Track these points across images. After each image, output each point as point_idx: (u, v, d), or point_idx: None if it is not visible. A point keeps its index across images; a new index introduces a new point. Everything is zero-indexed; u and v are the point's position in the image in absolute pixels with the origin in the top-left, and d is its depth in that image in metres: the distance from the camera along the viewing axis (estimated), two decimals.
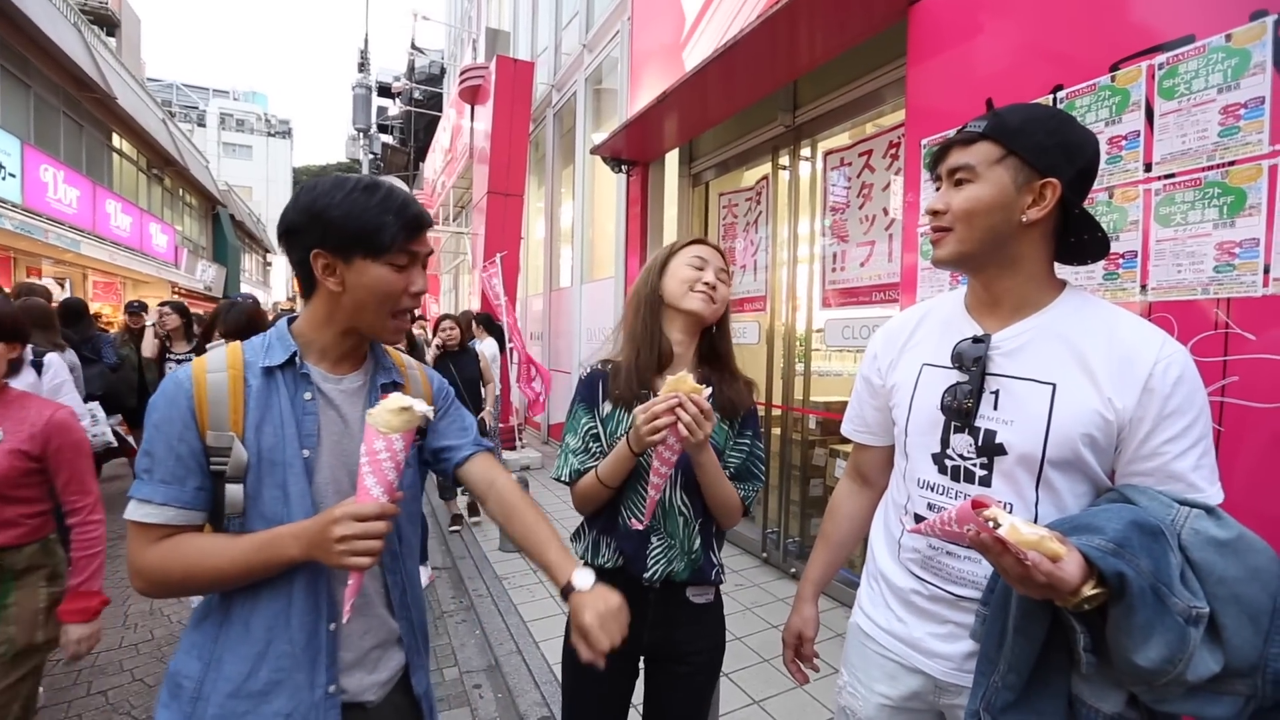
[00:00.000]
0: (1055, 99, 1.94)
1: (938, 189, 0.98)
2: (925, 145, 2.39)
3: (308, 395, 0.94)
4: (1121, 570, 0.71)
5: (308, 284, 0.96)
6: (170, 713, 0.89)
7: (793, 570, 3.61)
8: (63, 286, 10.54)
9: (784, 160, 3.86)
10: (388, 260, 0.92)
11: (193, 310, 4.82)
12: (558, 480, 1.33)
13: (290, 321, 0.99)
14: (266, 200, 37.60)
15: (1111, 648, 0.76)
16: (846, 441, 3.85)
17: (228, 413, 0.89)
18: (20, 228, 8.49)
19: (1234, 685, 0.74)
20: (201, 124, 37.20)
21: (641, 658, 1.38)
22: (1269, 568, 0.76)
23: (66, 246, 9.78)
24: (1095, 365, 0.87)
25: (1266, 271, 1.49)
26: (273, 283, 33.40)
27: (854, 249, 3.35)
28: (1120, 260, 1.76)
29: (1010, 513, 0.90)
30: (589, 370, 1.37)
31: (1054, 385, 0.89)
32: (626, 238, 5.25)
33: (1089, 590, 0.72)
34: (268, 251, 33.13)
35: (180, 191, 18.29)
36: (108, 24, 18.03)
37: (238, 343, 0.96)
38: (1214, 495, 0.85)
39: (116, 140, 13.70)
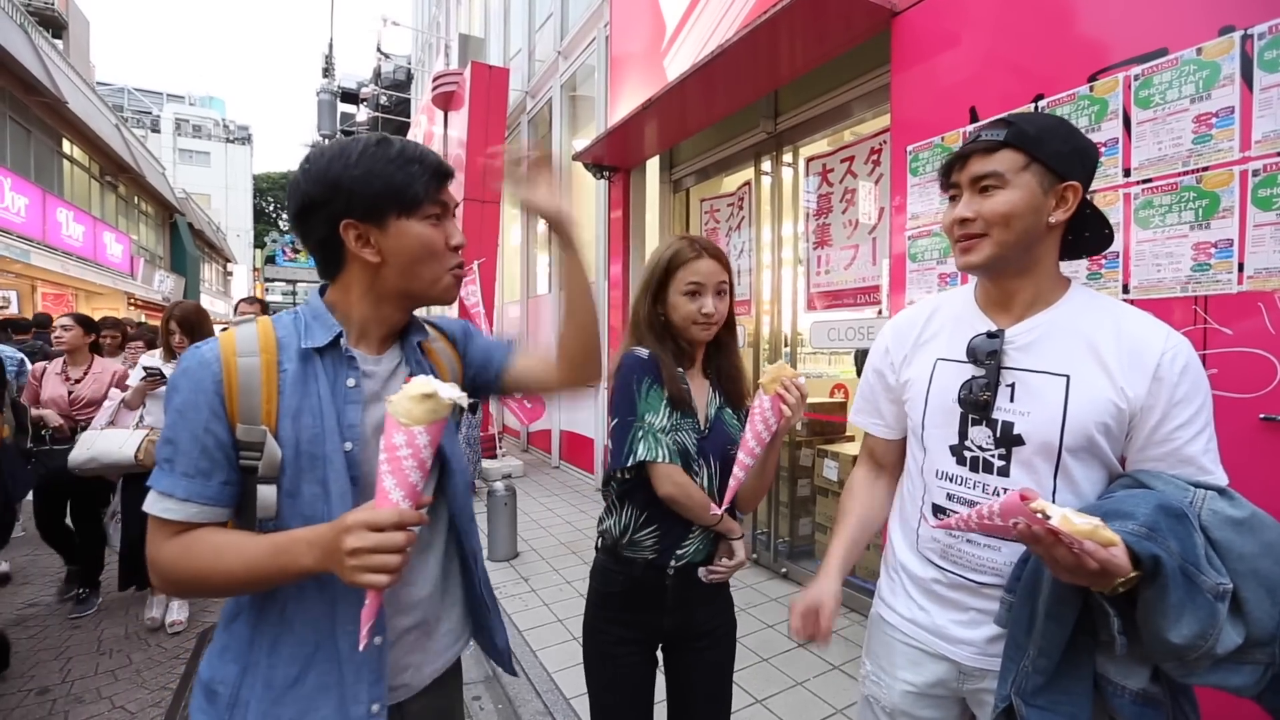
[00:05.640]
0: (1037, 107, 2.03)
1: (952, 197, 1.01)
2: (911, 151, 2.47)
3: (350, 381, 0.85)
4: (1156, 553, 0.75)
5: (332, 264, 0.88)
6: (206, 718, 0.83)
7: (783, 570, 3.65)
8: (7, 301, 10.04)
9: (766, 166, 3.92)
10: (423, 214, 0.86)
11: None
12: (645, 462, 1.26)
13: (321, 293, 0.91)
14: (225, 208, 36.47)
15: (1143, 627, 0.79)
16: (832, 441, 3.88)
17: (260, 403, 0.80)
18: None
19: (1254, 655, 0.78)
20: (156, 130, 35.89)
21: (660, 646, 1.40)
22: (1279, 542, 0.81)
23: (15, 257, 9.36)
24: (1107, 356, 0.92)
25: (1240, 270, 1.59)
26: (233, 292, 32.36)
27: (838, 252, 3.42)
28: (1103, 261, 1.85)
29: None
30: (645, 354, 1.32)
31: (1068, 377, 0.93)
32: (609, 243, 5.26)
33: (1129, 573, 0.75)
34: (228, 261, 32.16)
35: (135, 199, 17.63)
36: (55, 26, 17.31)
37: (268, 319, 0.87)
38: (1220, 477, 0.90)
39: (67, 146, 13.15)
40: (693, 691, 1.38)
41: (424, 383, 0.72)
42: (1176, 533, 0.77)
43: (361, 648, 0.74)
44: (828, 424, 3.88)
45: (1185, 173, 1.69)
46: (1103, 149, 1.86)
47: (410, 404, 0.72)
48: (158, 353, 3.05)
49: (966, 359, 1.01)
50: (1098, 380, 0.92)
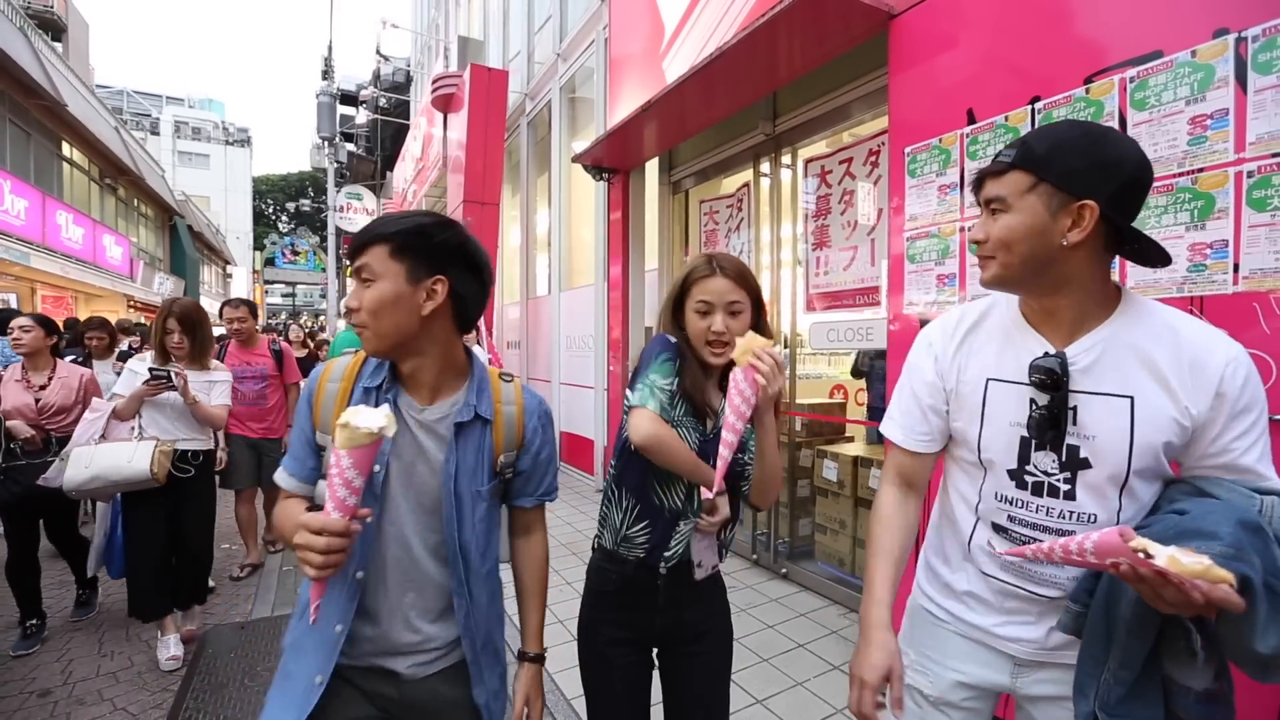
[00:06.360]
0: (1033, 110, 2.05)
1: (981, 214, 1.01)
2: (909, 152, 2.48)
3: None
4: (1246, 574, 0.74)
5: None
6: (291, 625, 1.09)
7: (783, 571, 3.66)
8: (6, 303, 10.04)
9: (765, 168, 3.94)
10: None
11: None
12: (637, 406, 1.26)
13: None
14: (225, 210, 36.45)
15: (1225, 639, 0.80)
16: (832, 442, 3.86)
17: (332, 419, 1.01)
18: None
19: None
20: (155, 132, 35.89)
21: (655, 650, 1.40)
22: None
23: (15, 260, 9.36)
24: (1168, 373, 0.89)
25: (1236, 270, 1.60)
26: (233, 295, 32.35)
27: (836, 253, 3.44)
28: None
29: (1094, 522, 0.94)
30: (673, 340, 1.33)
31: (1132, 398, 0.91)
32: (609, 245, 5.27)
33: None
34: (227, 263, 32.14)
35: (135, 202, 17.63)
36: (54, 29, 17.34)
37: (361, 356, 1.09)
38: (1275, 481, 0.89)
39: (66, 149, 13.16)
40: (686, 696, 1.38)
41: (349, 412, 0.85)
42: (1257, 547, 0.78)
43: (312, 621, 0.93)
44: (827, 425, 3.89)
45: (1180, 174, 1.71)
46: None
47: (337, 429, 0.85)
48: (149, 354, 2.74)
49: (1027, 381, 0.96)
50: (1161, 400, 0.90)
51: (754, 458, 1.30)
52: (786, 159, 3.81)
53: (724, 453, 1.14)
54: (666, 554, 1.30)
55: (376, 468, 0.99)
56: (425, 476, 1.05)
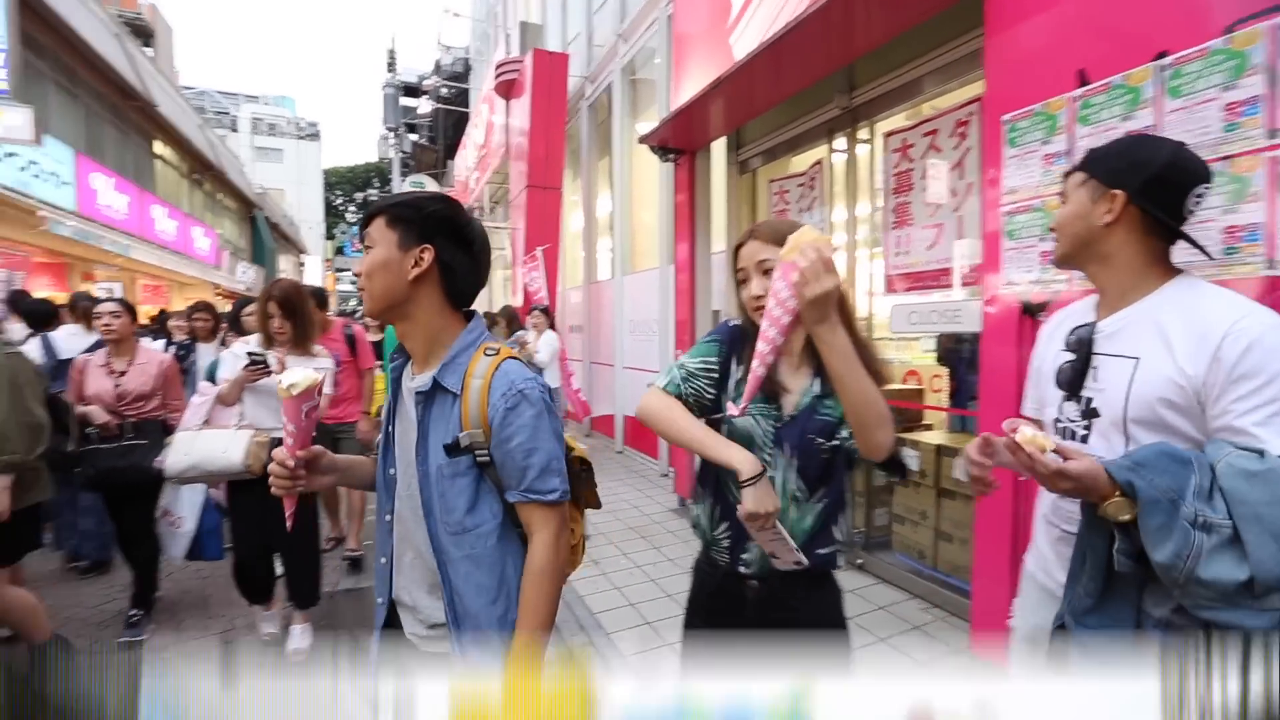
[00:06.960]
0: (1160, 66, 1.85)
1: None
2: (1007, 121, 2.30)
3: (394, 384, 1.19)
4: (1130, 479, 0.90)
5: None
6: None
7: (859, 561, 3.56)
8: (112, 291, 10.88)
9: (840, 144, 3.77)
10: None
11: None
12: (654, 385, 1.29)
13: None
14: (298, 202, 38.23)
15: (1148, 552, 0.91)
16: (911, 429, 3.71)
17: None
18: (78, 234, 8.79)
19: (1272, 600, 0.85)
20: (234, 129, 37.87)
21: None
22: None
23: (119, 251, 10.11)
24: (1174, 340, 1.02)
25: None
26: (306, 282, 34.01)
27: (919, 232, 3.26)
28: (1241, 235, 1.67)
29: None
30: (735, 323, 1.30)
31: (1137, 359, 1.07)
32: (675, 227, 5.20)
33: (1115, 497, 0.91)
34: (301, 252, 33.81)
35: (219, 195, 18.74)
36: (144, 34, 18.49)
37: None
38: (1269, 444, 0.92)
39: (159, 147, 14.08)
40: None
41: (285, 373, 1.02)
42: (1171, 471, 0.90)
43: (289, 528, 1.23)
44: (905, 411, 3.73)
45: None
46: (1241, 109, 1.68)
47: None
48: (254, 338, 2.67)
49: (1066, 348, 1.20)
50: (1162, 361, 1.03)
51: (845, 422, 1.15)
52: (863, 133, 3.63)
53: (756, 368, 1.03)
54: (744, 555, 1.23)
55: (390, 427, 1.17)
56: (412, 440, 1.12)
